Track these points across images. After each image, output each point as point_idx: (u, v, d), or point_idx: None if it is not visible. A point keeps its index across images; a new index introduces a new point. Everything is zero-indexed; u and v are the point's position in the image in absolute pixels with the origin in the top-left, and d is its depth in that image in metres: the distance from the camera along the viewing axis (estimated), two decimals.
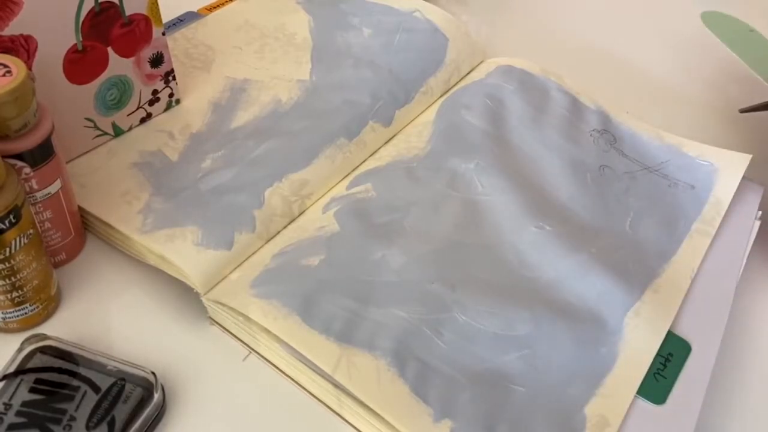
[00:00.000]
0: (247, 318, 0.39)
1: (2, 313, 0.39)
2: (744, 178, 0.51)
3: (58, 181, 0.40)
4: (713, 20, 0.58)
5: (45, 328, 0.40)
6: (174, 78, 0.51)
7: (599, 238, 0.46)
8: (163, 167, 0.47)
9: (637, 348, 0.40)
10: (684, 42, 0.70)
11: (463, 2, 0.72)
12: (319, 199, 0.47)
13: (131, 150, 0.48)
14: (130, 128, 0.50)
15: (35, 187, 0.39)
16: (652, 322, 0.41)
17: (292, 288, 0.40)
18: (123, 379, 0.36)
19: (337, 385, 0.37)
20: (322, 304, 0.39)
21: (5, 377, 0.35)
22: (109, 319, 0.41)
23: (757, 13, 0.69)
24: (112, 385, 0.36)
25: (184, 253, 0.41)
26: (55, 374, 0.36)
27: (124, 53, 0.47)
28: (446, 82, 0.57)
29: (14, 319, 0.39)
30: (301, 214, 0.46)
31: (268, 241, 0.44)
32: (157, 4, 0.47)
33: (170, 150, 0.48)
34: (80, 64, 0.44)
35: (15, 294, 0.38)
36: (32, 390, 0.35)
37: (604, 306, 0.42)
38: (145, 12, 0.46)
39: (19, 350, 0.37)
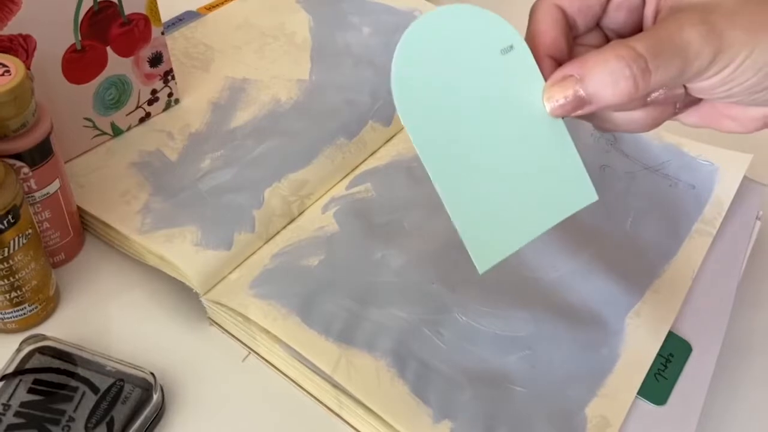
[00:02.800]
0: (247, 318, 0.39)
1: (1, 313, 0.38)
2: (745, 177, 0.51)
3: (57, 181, 0.40)
4: None
5: (44, 329, 0.40)
6: (173, 77, 0.51)
7: (600, 238, 0.46)
8: (163, 167, 0.47)
9: (637, 348, 0.40)
10: None
11: (463, 2, 0.72)
12: (318, 199, 0.47)
13: (130, 150, 0.48)
14: (129, 128, 0.50)
15: (34, 187, 0.39)
16: (653, 323, 0.41)
17: (292, 288, 0.40)
18: (122, 380, 0.36)
19: (336, 386, 0.37)
20: (321, 304, 0.39)
21: (4, 378, 0.35)
22: (108, 319, 0.41)
23: None
24: (111, 386, 0.35)
25: (184, 253, 0.41)
26: (54, 375, 0.36)
27: (123, 53, 0.47)
28: None
29: (13, 319, 0.39)
30: (300, 214, 0.46)
31: (267, 241, 0.43)
32: (156, 4, 0.47)
33: (169, 150, 0.48)
34: (79, 64, 0.44)
35: (14, 294, 0.38)
36: (31, 390, 0.35)
37: (605, 306, 0.42)
38: (144, 11, 0.46)
39: (18, 351, 0.37)
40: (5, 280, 0.37)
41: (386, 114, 0.52)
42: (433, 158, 0.30)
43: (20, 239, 0.36)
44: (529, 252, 0.44)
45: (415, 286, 0.41)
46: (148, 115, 0.50)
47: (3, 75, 0.35)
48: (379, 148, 0.51)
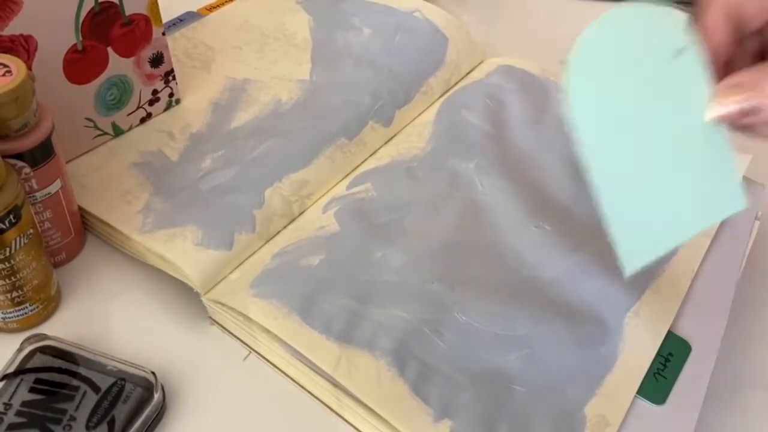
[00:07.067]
0: (247, 318, 0.39)
1: (2, 312, 0.38)
2: (744, 178, 0.51)
3: (58, 180, 0.40)
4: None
5: (45, 328, 0.40)
6: (174, 78, 0.51)
7: (599, 237, 0.45)
8: (163, 167, 0.47)
9: (637, 348, 0.40)
10: None
11: (463, 2, 0.72)
12: (319, 199, 0.47)
13: (131, 150, 0.48)
14: (130, 128, 0.50)
15: (35, 186, 0.39)
16: (652, 322, 0.41)
17: (292, 288, 0.40)
18: (123, 379, 0.36)
19: (337, 385, 0.37)
20: (322, 303, 0.39)
21: (5, 377, 0.35)
22: (109, 319, 0.41)
23: None
24: (112, 385, 0.36)
25: (184, 252, 0.41)
26: (55, 374, 0.36)
27: (124, 53, 0.47)
28: (446, 82, 0.57)
29: (14, 318, 0.39)
30: (301, 214, 0.46)
31: (268, 241, 0.44)
32: (157, 4, 0.47)
33: (170, 150, 0.48)
34: (80, 64, 0.44)
35: (15, 294, 0.38)
36: (32, 390, 0.35)
37: (604, 305, 0.42)
38: (145, 12, 0.46)
39: (19, 350, 0.37)
40: (7, 280, 0.37)
41: (386, 114, 0.52)
42: (596, 157, 0.31)
43: (21, 239, 0.36)
44: (528, 251, 0.44)
45: (415, 286, 0.41)
46: (149, 115, 0.50)
47: (4, 75, 0.35)
48: (379, 148, 0.51)
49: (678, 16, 0.29)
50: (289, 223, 0.45)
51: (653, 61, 0.30)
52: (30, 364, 0.36)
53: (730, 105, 0.29)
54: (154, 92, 0.50)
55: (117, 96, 0.48)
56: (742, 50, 0.32)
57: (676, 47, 0.30)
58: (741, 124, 0.30)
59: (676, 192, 0.31)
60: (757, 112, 0.28)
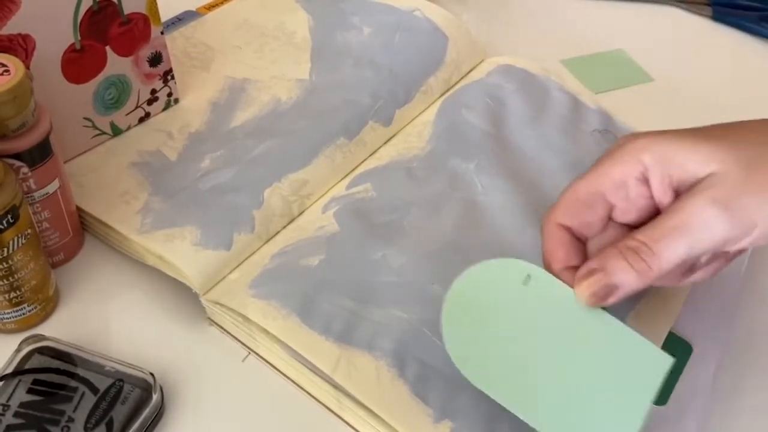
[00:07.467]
0: (246, 318, 0.39)
1: (0, 313, 0.38)
2: None
3: (57, 180, 0.40)
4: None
5: (43, 329, 0.40)
6: (173, 77, 0.50)
7: None
8: (162, 167, 0.47)
9: None
10: (687, 42, 0.70)
11: (464, 1, 0.71)
12: (318, 199, 0.47)
13: (130, 150, 0.48)
14: (129, 128, 0.50)
15: (33, 186, 0.39)
16: (654, 323, 0.41)
17: (292, 288, 0.40)
18: (121, 380, 0.36)
19: (336, 386, 0.37)
20: (321, 304, 0.39)
21: (3, 378, 0.35)
22: (107, 319, 0.41)
23: None
24: (111, 386, 0.35)
25: (183, 253, 0.41)
26: (53, 375, 0.36)
27: (123, 52, 0.46)
28: (446, 82, 0.57)
29: (12, 319, 0.39)
30: (300, 214, 0.46)
31: (267, 241, 0.43)
32: (156, 3, 0.47)
33: (169, 149, 0.48)
34: (78, 64, 0.44)
35: (13, 294, 0.38)
36: (30, 391, 0.35)
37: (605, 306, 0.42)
38: (143, 11, 0.46)
39: (17, 351, 0.36)
40: (4, 280, 0.37)
41: (386, 114, 0.52)
42: (515, 403, 0.33)
43: (19, 239, 0.36)
44: (528, 252, 0.44)
45: (415, 286, 0.41)
46: (147, 114, 0.50)
47: (2, 75, 0.35)
48: (379, 148, 0.51)
49: (519, 264, 0.35)
50: (289, 223, 0.45)
51: (511, 293, 0.35)
52: (28, 365, 0.36)
53: (589, 289, 0.33)
54: (153, 92, 0.50)
55: (115, 95, 0.47)
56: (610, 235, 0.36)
57: (524, 276, 0.35)
58: (612, 298, 0.33)
59: (601, 385, 0.33)
60: (614, 289, 0.33)
